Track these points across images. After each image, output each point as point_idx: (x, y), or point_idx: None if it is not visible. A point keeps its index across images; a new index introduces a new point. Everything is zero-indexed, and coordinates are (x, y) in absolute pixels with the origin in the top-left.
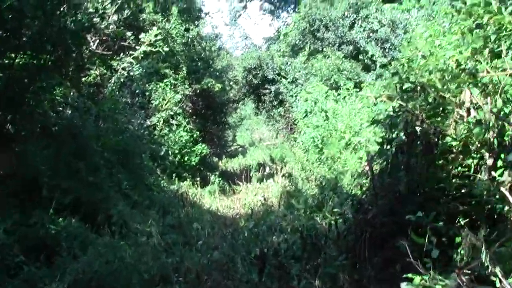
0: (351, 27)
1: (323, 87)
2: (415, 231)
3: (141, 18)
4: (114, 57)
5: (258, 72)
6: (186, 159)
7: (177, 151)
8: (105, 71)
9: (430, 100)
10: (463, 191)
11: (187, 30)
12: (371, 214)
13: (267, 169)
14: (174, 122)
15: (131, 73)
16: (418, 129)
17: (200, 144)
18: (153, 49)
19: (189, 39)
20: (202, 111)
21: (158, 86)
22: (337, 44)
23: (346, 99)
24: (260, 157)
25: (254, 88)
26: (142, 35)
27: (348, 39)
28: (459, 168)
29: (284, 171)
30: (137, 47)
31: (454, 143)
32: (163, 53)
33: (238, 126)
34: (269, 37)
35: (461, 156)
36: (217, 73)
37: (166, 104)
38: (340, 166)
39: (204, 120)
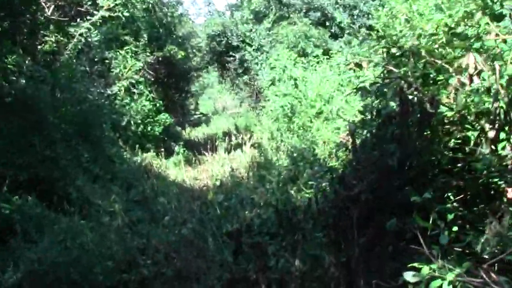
0: None
1: (291, 54)
2: (405, 208)
3: None
4: (71, 23)
5: (222, 39)
6: (149, 129)
7: (139, 121)
8: (61, 38)
9: (420, 66)
10: (459, 165)
11: None
12: (357, 190)
13: (233, 138)
14: (135, 91)
15: (89, 40)
16: (411, 97)
17: (163, 113)
18: (112, 14)
19: (150, 5)
20: (164, 79)
21: (118, 53)
22: (303, 11)
23: (316, 66)
24: (224, 126)
25: (218, 56)
26: (100, 0)
27: (316, 5)
28: (457, 140)
29: (252, 141)
30: (95, 12)
31: (450, 114)
32: (123, 18)
33: (201, 94)
34: (232, 4)
35: (459, 128)
36: (180, 40)
37: (127, 72)
38: (311, 136)
39: (167, 88)
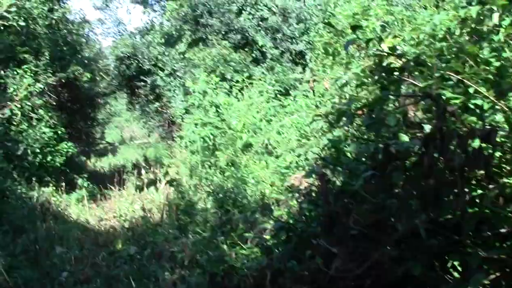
0: (239, 13)
1: (213, 77)
2: None
3: None
4: None
5: (132, 62)
6: (49, 159)
7: (38, 150)
8: None
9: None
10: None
11: (50, 10)
12: (335, 265)
13: (143, 172)
14: (34, 116)
15: None
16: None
17: (66, 142)
18: (6, 23)
19: (54, 21)
20: (68, 104)
21: (15, 72)
22: (222, 32)
23: (238, 93)
24: (132, 156)
25: (127, 80)
26: None
27: (236, 27)
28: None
29: (168, 176)
30: None
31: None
32: (18, 28)
33: (108, 123)
34: (142, 27)
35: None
36: (86, 61)
37: (23, 93)
38: (240, 173)
39: (71, 114)
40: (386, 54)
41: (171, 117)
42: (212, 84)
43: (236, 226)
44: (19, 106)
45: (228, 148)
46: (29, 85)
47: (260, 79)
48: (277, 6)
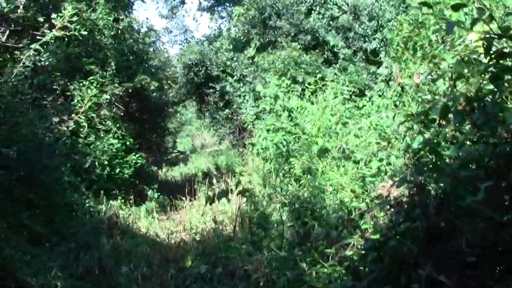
0: (308, 14)
1: (284, 80)
2: None
3: (62, 7)
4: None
5: (201, 69)
6: (117, 171)
7: (106, 162)
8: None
9: None
10: None
11: (116, 20)
12: None
13: (214, 181)
14: (102, 127)
15: (38, 64)
16: None
17: (135, 153)
18: (67, 33)
19: (119, 31)
20: (136, 114)
21: (81, 84)
22: (292, 34)
23: (311, 96)
24: (203, 164)
25: (196, 88)
26: (54, 15)
27: (305, 28)
28: None
29: (240, 186)
30: (45, 31)
31: None
32: (80, 37)
33: (179, 132)
34: (209, 34)
35: None
36: (153, 70)
37: (87, 104)
38: (317, 181)
39: (140, 125)
40: (496, 36)
41: (241, 124)
42: (283, 87)
43: (315, 241)
44: (84, 118)
45: (303, 154)
46: (94, 95)
47: (332, 81)
48: (347, 4)
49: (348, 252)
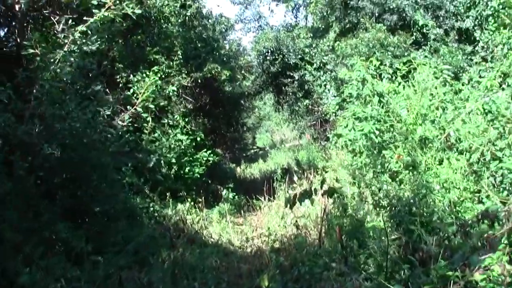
0: None
1: (373, 60)
2: None
3: None
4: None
5: (277, 57)
6: (186, 170)
7: (173, 161)
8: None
9: None
10: None
11: (183, 6)
12: None
13: (295, 178)
14: (168, 121)
15: (85, 48)
16: None
17: (206, 149)
18: (119, 12)
19: (187, 18)
20: (207, 107)
21: (144, 75)
22: (376, 14)
23: (407, 77)
24: (283, 160)
25: (272, 78)
26: None
27: (391, 7)
28: None
29: (326, 185)
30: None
31: None
32: (134, 16)
33: (258, 127)
34: (286, 23)
35: None
36: (224, 59)
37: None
38: (421, 178)
39: (214, 120)
40: None
41: (323, 115)
42: (371, 70)
43: (429, 259)
44: (143, 109)
45: (399, 145)
46: (154, 84)
47: (424, 64)
48: None
49: (478, 277)
